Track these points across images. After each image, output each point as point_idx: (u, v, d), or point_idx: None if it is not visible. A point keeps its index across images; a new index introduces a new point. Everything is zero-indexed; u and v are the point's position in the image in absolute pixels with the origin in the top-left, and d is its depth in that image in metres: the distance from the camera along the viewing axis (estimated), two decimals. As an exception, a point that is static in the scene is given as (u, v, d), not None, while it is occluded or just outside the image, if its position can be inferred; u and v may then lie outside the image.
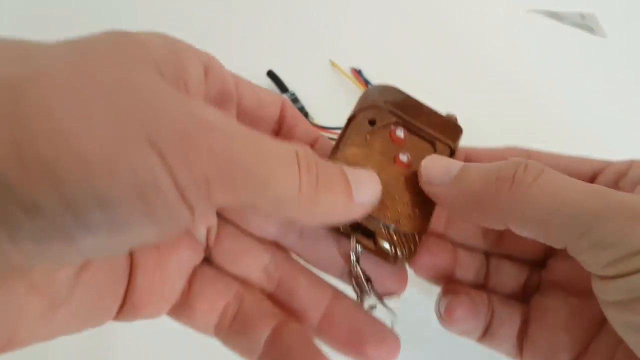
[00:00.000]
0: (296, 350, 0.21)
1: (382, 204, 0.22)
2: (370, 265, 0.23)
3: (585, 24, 0.57)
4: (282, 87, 0.44)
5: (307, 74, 0.47)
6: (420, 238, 0.23)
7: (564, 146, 0.46)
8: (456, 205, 0.22)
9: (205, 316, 0.22)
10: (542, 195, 0.19)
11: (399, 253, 0.22)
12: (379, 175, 0.21)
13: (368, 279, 0.23)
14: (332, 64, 0.48)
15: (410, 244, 0.22)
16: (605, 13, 0.58)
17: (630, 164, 0.23)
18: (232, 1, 0.52)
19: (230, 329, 0.22)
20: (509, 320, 0.24)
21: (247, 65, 0.47)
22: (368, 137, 0.24)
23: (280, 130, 0.24)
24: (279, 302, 0.23)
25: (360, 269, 0.23)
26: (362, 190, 0.20)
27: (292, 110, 0.24)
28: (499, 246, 0.26)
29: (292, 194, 0.17)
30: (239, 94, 0.22)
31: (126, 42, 0.16)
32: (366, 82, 0.46)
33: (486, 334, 0.24)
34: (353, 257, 0.23)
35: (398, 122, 0.25)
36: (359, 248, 0.23)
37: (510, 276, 0.26)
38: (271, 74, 0.45)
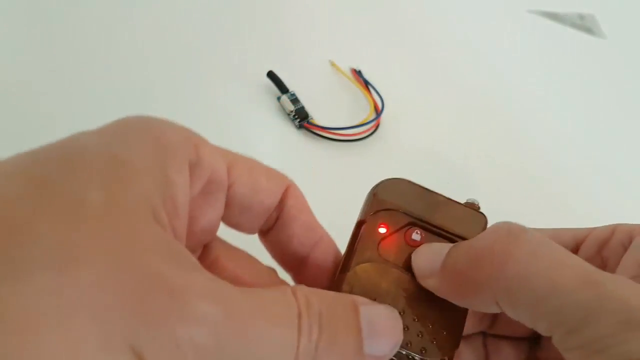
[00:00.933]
0: None
1: (403, 326, 0.19)
2: None
3: (584, 24, 0.57)
4: (282, 87, 0.44)
5: (307, 74, 0.47)
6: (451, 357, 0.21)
7: (562, 145, 0.46)
8: (450, 292, 0.20)
9: None
10: (528, 272, 0.17)
11: None
12: (398, 295, 0.20)
13: None
14: (332, 64, 0.48)
15: None
16: (605, 14, 0.58)
17: (613, 230, 0.22)
18: (233, 1, 0.52)
19: None
20: None
21: (247, 65, 0.48)
22: (381, 245, 0.21)
23: (276, 222, 0.21)
24: None
25: None
26: (377, 342, 0.17)
27: (295, 200, 0.21)
28: (495, 327, 0.25)
29: None
30: (232, 178, 0.20)
31: (124, 194, 0.15)
32: (366, 83, 0.46)
33: None
34: None
35: (414, 222, 0.22)
36: None
37: (510, 357, 0.24)
38: (271, 75, 0.45)
